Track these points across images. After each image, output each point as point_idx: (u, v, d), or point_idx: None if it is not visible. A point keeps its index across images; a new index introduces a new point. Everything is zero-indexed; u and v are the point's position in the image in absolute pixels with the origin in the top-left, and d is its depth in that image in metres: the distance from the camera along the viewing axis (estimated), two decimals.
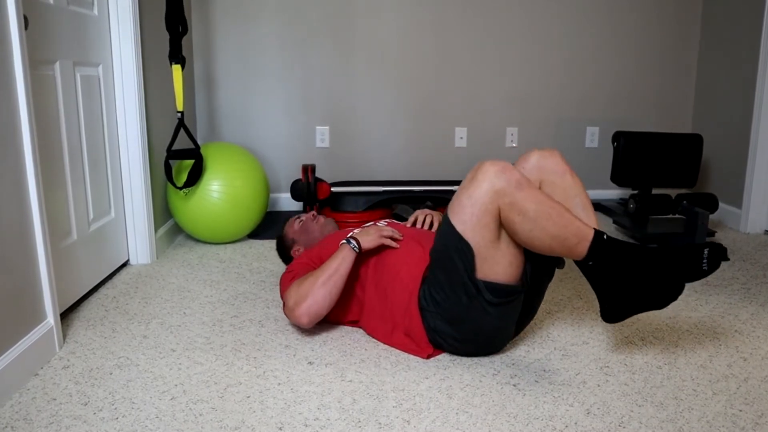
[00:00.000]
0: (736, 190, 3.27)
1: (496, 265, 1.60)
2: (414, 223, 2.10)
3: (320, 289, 1.75)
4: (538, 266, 1.70)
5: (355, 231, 1.91)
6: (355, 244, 1.79)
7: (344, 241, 1.81)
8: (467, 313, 1.64)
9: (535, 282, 1.73)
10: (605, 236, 1.55)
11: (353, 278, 1.88)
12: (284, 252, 2.24)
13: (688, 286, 2.35)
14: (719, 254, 1.53)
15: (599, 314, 1.76)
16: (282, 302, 1.88)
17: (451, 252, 1.61)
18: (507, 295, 1.62)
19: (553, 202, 1.55)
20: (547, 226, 1.52)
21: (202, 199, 2.72)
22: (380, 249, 1.85)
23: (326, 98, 3.57)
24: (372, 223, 2.08)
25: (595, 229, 1.55)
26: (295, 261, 1.98)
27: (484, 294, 1.60)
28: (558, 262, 1.72)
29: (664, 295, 1.57)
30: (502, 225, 1.58)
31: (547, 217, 1.52)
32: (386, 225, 2.00)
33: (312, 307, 1.76)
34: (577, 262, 1.58)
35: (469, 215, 1.57)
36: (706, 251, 1.52)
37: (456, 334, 1.69)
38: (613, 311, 1.61)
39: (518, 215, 1.53)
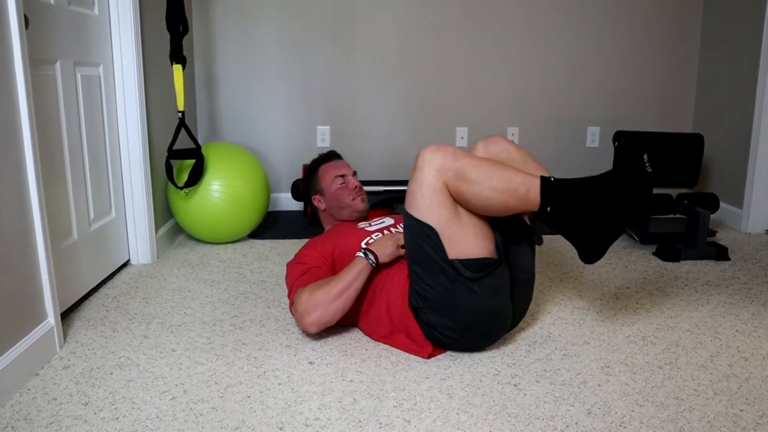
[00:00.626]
0: (737, 190, 3.27)
1: (463, 239, 1.63)
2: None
3: (333, 302, 1.73)
4: (509, 233, 1.74)
5: (371, 239, 1.90)
6: (373, 259, 1.77)
7: (361, 254, 1.79)
8: (453, 298, 1.64)
9: (514, 253, 1.75)
10: (552, 178, 1.60)
11: None
12: (304, 193, 2.21)
13: (688, 287, 2.35)
14: (658, 155, 1.57)
15: (579, 259, 1.81)
16: (288, 294, 1.86)
17: (418, 241, 1.64)
18: (484, 269, 1.63)
19: (492, 161, 1.63)
20: (493, 183, 1.58)
21: (202, 198, 2.72)
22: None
23: (327, 98, 3.57)
24: (381, 221, 2.07)
25: (540, 175, 1.60)
26: (305, 252, 1.94)
27: (462, 272, 1.62)
28: (532, 234, 1.75)
29: (627, 212, 1.59)
30: (455, 200, 1.62)
31: (490, 175, 1.58)
32: (397, 230, 1.98)
33: (323, 318, 1.75)
34: (538, 216, 1.62)
35: (422, 200, 1.62)
36: (645, 156, 1.59)
37: (451, 324, 1.69)
38: (589, 250, 1.65)
39: (464, 183, 1.59)
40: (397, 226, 2.02)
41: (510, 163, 1.70)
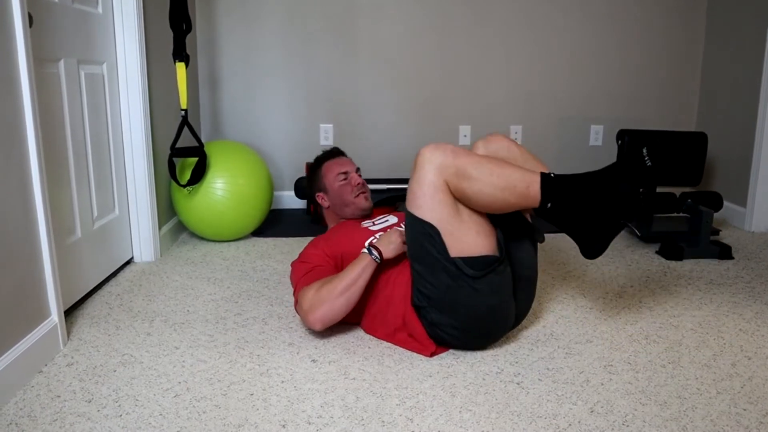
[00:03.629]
0: (741, 189, 3.26)
1: (465, 237, 1.62)
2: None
3: (338, 299, 1.73)
4: (510, 231, 1.74)
5: (375, 238, 1.90)
6: (377, 255, 1.77)
7: (365, 250, 1.78)
8: (456, 295, 1.64)
9: (516, 250, 1.75)
10: (552, 174, 1.60)
11: None
12: (308, 190, 2.20)
13: (691, 286, 2.34)
14: (658, 150, 1.57)
15: (581, 255, 1.81)
16: (293, 292, 1.87)
17: (420, 239, 1.64)
18: (486, 266, 1.63)
19: (492, 158, 1.63)
20: (494, 180, 1.58)
21: (205, 196, 2.72)
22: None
23: (330, 96, 3.57)
24: (384, 219, 2.07)
25: (540, 171, 1.60)
26: (309, 251, 1.94)
27: (464, 270, 1.61)
28: (533, 231, 1.74)
29: (627, 205, 1.59)
30: (455, 198, 1.62)
31: (490, 173, 1.58)
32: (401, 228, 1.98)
33: (327, 315, 1.74)
34: (539, 213, 1.62)
35: (422, 198, 1.62)
36: (645, 150, 1.59)
37: (454, 322, 1.69)
38: (591, 245, 1.65)
39: (465, 180, 1.59)
40: (401, 224, 2.02)
41: (510, 161, 1.70)
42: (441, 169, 1.60)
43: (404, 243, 1.80)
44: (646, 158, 1.57)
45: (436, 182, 1.60)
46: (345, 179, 2.13)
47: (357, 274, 1.74)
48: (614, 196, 1.58)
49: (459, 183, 1.59)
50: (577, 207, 1.60)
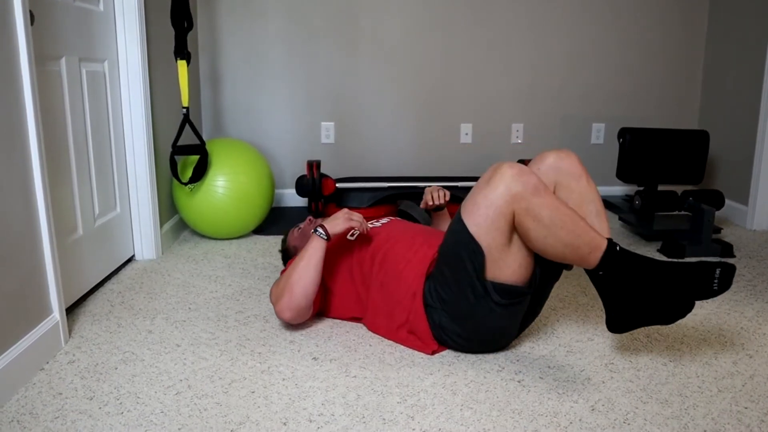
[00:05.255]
0: (743, 187, 3.26)
1: (506, 267, 1.59)
2: (431, 200, 2.13)
3: (295, 283, 1.78)
4: (548, 270, 1.69)
5: (356, 234, 1.93)
6: (322, 232, 1.80)
7: (312, 230, 1.83)
8: (473, 311, 1.64)
9: (543, 284, 1.72)
10: (618, 248, 1.53)
11: (357, 276, 1.88)
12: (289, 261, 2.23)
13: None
14: (730, 274, 1.52)
15: (605, 323, 1.75)
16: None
17: (462, 252, 1.60)
18: (514, 297, 1.62)
19: (569, 209, 1.53)
20: (561, 234, 1.50)
21: (207, 194, 2.72)
22: (383, 246, 1.85)
23: (331, 94, 3.57)
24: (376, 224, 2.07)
25: (608, 239, 1.54)
26: (288, 263, 1.98)
27: (492, 295, 1.60)
28: (567, 264, 1.71)
29: (672, 311, 1.56)
30: (515, 229, 1.56)
31: (561, 225, 1.50)
32: (389, 221, 2.00)
33: (291, 301, 1.78)
34: (587, 271, 1.57)
35: (483, 217, 1.55)
36: (717, 271, 1.51)
37: (461, 332, 1.69)
38: (619, 322, 1.60)
39: (533, 221, 1.51)
40: (389, 218, 2.07)
41: (576, 197, 1.66)
42: (515, 199, 1.51)
43: (350, 220, 1.82)
44: (716, 282, 1.53)
45: (503, 209, 1.53)
46: (299, 228, 2.16)
47: (308, 255, 1.78)
48: (670, 302, 1.54)
49: (526, 222, 1.52)
50: (627, 288, 1.55)
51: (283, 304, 1.80)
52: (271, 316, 2.00)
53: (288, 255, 2.20)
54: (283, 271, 1.94)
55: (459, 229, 1.60)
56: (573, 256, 1.53)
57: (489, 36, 3.57)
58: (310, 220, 2.17)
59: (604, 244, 1.52)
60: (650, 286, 1.53)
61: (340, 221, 1.83)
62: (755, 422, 1.43)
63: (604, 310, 1.88)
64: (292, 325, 1.93)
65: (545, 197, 1.51)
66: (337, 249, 1.95)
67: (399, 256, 1.81)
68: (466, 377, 1.62)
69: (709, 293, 1.52)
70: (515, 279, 1.60)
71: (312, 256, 1.79)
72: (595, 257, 1.52)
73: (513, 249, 1.58)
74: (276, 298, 1.83)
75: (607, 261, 1.52)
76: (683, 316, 1.56)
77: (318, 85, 3.55)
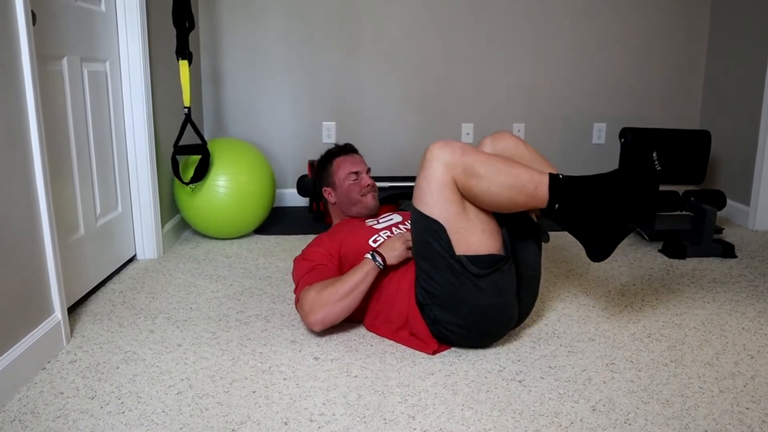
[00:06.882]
0: (744, 187, 3.25)
1: (471, 235, 1.62)
2: None
3: (339, 302, 1.74)
4: (515, 228, 1.74)
5: (379, 237, 1.90)
6: (381, 262, 1.76)
7: (369, 255, 1.78)
8: (459, 293, 1.64)
9: (521, 250, 1.75)
10: (561, 175, 1.59)
11: None
12: (315, 182, 2.18)
13: (694, 284, 2.34)
14: (666, 152, 1.55)
15: (587, 256, 1.79)
16: (294, 290, 1.87)
17: (426, 236, 1.64)
18: (491, 265, 1.63)
19: (500, 157, 1.63)
20: (502, 179, 1.57)
21: (208, 194, 2.72)
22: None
23: (333, 94, 3.57)
24: (389, 218, 2.06)
25: (549, 173, 1.59)
26: (312, 249, 1.94)
27: (469, 268, 1.61)
28: (539, 231, 1.74)
29: (637, 210, 1.59)
30: (463, 195, 1.62)
31: (498, 171, 1.58)
32: (405, 229, 1.98)
33: (327, 317, 1.75)
34: (546, 213, 1.62)
35: (429, 195, 1.62)
36: (655, 153, 1.56)
37: (458, 320, 1.68)
38: (597, 248, 1.65)
39: (472, 178, 1.58)
40: (405, 223, 2.02)
41: (518, 160, 1.70)
42: (449, 167, 1.59)
43: (408, 249, 1.80)
44: (656, 162, 1.56)
45: (443, 179, 1.60)
46: (356, 179, 2.12)
47: (359, 279, 1.74)
48: (625, 201, 1.57)
49: (467, 181, 1.59)
50: (585, 209, 1.59)
51: (318, 318, 1.75)
52: (273, 316, 2.01)
53: (321, 178, 2.16)
54: (306, 260, 1.88)
55: (416, 217, 1.67)
56: (523, 197, 1.59)
57: (490, 36, 3.57)
58: (373, 185, 2.12)
59: (546, 176, 1.58)
60: (605, 196, 1.58)
61: (398, 253, 1.78)
62: (756, 423, 1.43)
63: (583, 247, 1.91)
64: (294, 325, 1.94)
65: (475, 154, 1.61)
66: (354, 259, 1.89)
67: (397, 265, 1.81)
68: (467, 377, 1.62)
69: (655, 174, 1.57)
70: (485, 247, 1.63)
71: (363, 282, 1.74)
72: (542, 191, 1.58)
73: (470, 216, 1.63)
74: (311, 309, 1.75)
75: (555, 190, 1.57)
76: (649, 207, 1.58)
77: (319, 85, 3.55)
